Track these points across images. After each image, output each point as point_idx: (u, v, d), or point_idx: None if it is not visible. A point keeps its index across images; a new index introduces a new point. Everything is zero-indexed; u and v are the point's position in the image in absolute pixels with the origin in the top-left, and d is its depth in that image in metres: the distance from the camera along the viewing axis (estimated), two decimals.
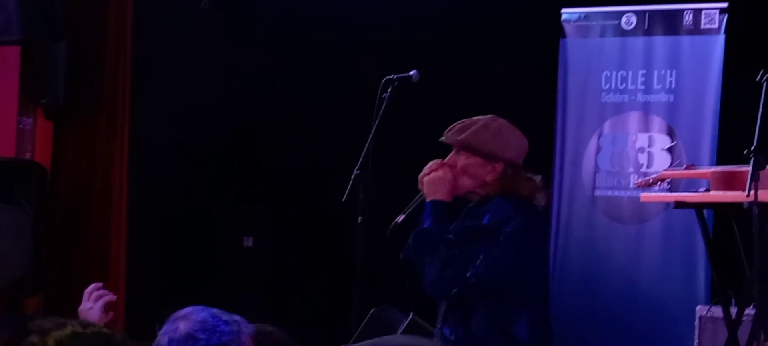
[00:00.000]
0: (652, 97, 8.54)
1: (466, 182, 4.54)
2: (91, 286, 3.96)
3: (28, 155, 8.68)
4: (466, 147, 4.54)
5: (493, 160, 4.50)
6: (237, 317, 3.10)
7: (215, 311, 3.09)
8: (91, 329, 2.13)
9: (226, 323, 3.06)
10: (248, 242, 9.19)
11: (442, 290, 4.43)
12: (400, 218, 4.65)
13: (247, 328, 3.10)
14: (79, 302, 4.07)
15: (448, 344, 4.54)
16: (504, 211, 4.40)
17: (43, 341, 2.08)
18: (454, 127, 4.61)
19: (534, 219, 4.53)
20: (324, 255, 9.56)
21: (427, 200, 4.55)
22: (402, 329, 5.92)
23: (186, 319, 3.06)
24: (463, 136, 4.55)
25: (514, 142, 4.55)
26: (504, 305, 4.42)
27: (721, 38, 8.26)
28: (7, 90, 8.58)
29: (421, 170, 4.74)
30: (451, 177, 4.54)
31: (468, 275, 4.33)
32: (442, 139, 4.63)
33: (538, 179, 4.60)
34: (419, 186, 4.64)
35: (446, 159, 4.61)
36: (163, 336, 3.05)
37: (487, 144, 4.50)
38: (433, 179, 4.55)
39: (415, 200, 4.64)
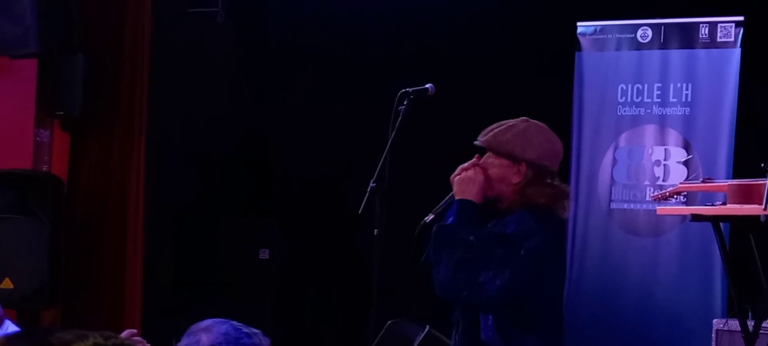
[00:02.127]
0: (668, 111, 8.53)
1: (495, 184, 4.48)
2: (127, 332, 3.91)
3: (45, 167, 8.69)
4: (490, 148, 4.50)
5: (516, 162, 4.44)
6: (256, 330, 3.10)
7: (236, 323, 3.08)
8: (113, 340, 2.12)
9: (248, 335, 3.06)
10: (264, 254, 9.20)
11: (452, 292, 4.34)
12: (429, 217, 4.58)
13: (266, 341, 3.10)
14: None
15: None
16: (527, 224, 4.32)
17: None
18: (486, 130, 4.57)
19: (556, 236, 4.45)
20: (340, 267, 9.55)
21: (456, 198, 4.49)
22: (418, 341, 5.90)
23: (208, 332, 3.05)
24: (486, 137, 4.51)
25: (537, 142, 4.47)
26: (516, 321, 4.36)
27: (737, 51, 8.25)
28: (24, 102, 8.60)
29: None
30: (482, 178, 4.47)
31: (481, 280, 4.25)
32: (475, 141, 4.58)
33: (562, 186, 4.51)
34: (452, 185, 4.59)
35: (480, 160, 4.56)
36: None
37: (506, 145, 4.44)
38: (463, 179, 4.48)
39: (445, 200, 4.58)
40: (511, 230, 4.31)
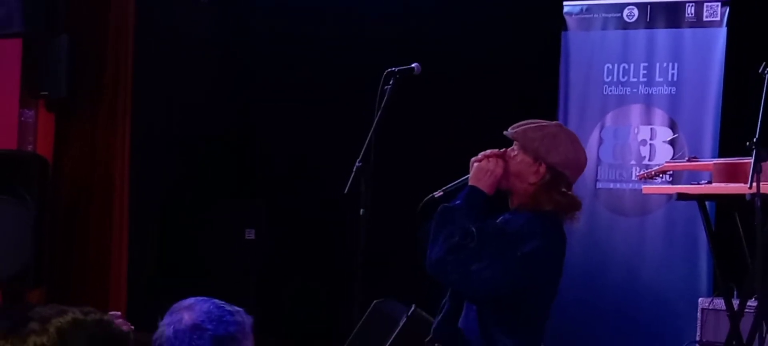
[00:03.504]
0: (654, 90, 8.54)
1: (511, 178, 4.44)
2: (110, 314, 3.89)
3: (29, 148, 8.67)
4: (517, 141, 4.44)
5: (537, 162, 4.41)
6: (238, 308, 3.10)
7: (218, 301, 3.08)
8: (92, 316, 2.14)
9: (231, 313, 3.06)
10: (250, 234, 9.20)
11: (441, 272, 4.28)
12: (439, 193, 4.53)
13: (249, 319, 3.10)
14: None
15: (438, 334, 4.50)
16: (532, 227, 4.28)
17: (43, 329, 2.08)
18: (519, 123, 4.50)
19: (557, 245, 4.40)
20: (325, 247, 9.56)
21: (470, 183, 4.45)
22: (404, 321, 5.90)
23: (190, 310, 3.05)
24: (516, 130, 4.44)
25: (563, 149, 4.40)
26: (499, 320, 4.34)
27: (723, 31, 8.27)
28: (8, 83, 8.57)
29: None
30: (501, 172, 4.41)
31: (473, 269, 4.22)
32: (505, 132, 4.52)
33: (575, 197, 4.45)
34: (470, 167, 4.53)
35: (505, 150, 4.51)
36: (167, 327, 3.04)
37: (534, 142, 4.37)
38: (482, 167, 4.40)
39: (459, 180, 4.53)
40: (514, 228, 4.28)
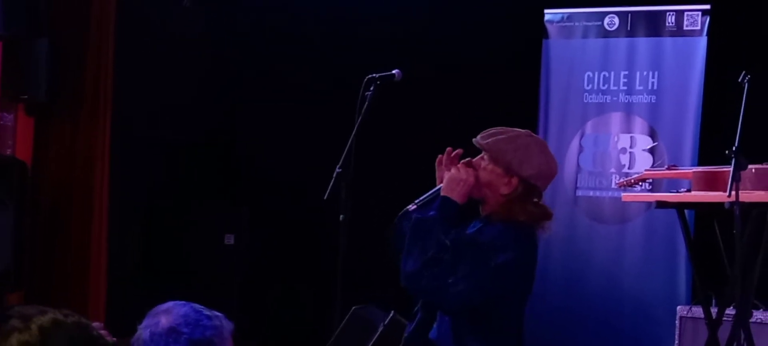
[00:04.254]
0: (635, 98, 8.56)
1: (483, 187, 4.43)
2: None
3: (9, 151, 8.64)
4: (488, 152, 4.43)
5: (509, 174, 4.40)
6: (217, 313, 3.09)
7: (196, 305, 3.07)
8: (71, 318, 2.14)
9: (208, 317, 3.05)
10: (229, 239, 9.18)
11: (415, 285, 4.29)
12: (412, 206, 4.52)
13: (228, 324, 3.09)
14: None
15: (410, 343, 4.50)
16: (504, 239, 4.28)
17: (25, 326, 2.08)
18: (488, 131, 4.48)
19: (528, 255, 4.39)
20: (305, 253, 9.55)
21: (442, 193, 4.45)
22: (383, 327, 5.90)
23: (167, 313, 3.04)
24: (488, 141, 4.41)
25: (536, 162, 4.37)
26: (473, 330, 4.34)
27: (703, 40, 8.30)
28: None
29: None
30: (473, 181, 4.39)
31: (450, 281, 4.23)
32: (474, 140, 4.51)
33: (546, 208, 4.43)
34: (437, 167, 4.53)
35: (474, 159, 4.50)
36: (144, 330, 3.03)
37: (506, 155, 4.35)
38: (454, 177, 4.40)
39: (432, 191, 4.52)
40: (487, 239, 4.28)
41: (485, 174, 4.40)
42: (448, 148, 4.52)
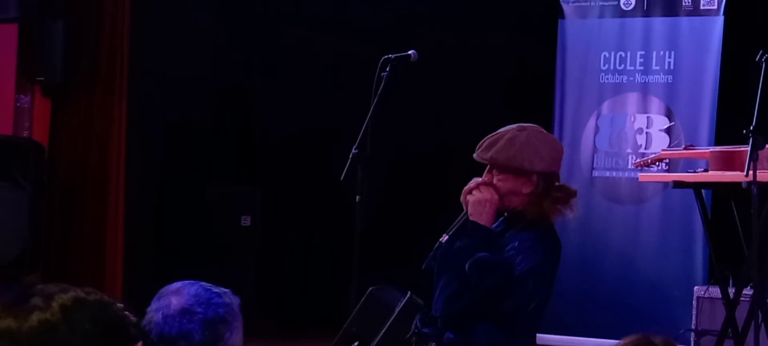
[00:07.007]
0: (651, 78, 8.53)
1: (508, 199, 4.43)
2: None
3: (25, 133, 8.67)
4: (495, 165, 4.42)
5: (525, 174, 4.38)
6: (225, 289, 3.08)
7: (205, 284, 3.06)
8: (94, 296, 2.13)
9: (219, 295, 3.04)
10: (246, 220, 9.19)
11: (449, 316, 4.40)
12: (444, 238, 4.51)
13: (235, 299, 3.08)
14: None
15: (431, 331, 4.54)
16: (528, 243, 4.34)
17: (47, 304, 2.07)
18: (483, 143, 4.44)
19: (552, 256, 4.44)
20: (321, 234, 9.55)
21: (471, 219, 4.45)
22: (400, 307, 5.90)
23: (178, 294, 3.03)
24: (490, 153, 4.41)
25: (542, 152, 4.40)
26: (497, 329, 4.38)
27: (720, 19, 8.26)
28: (4, 68, 8.57)
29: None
30: (497, 198, 4.40)
31: (469, 312, 4.34)
32: (474, 156, 4.50)
33: (569, 187, 4.48)
34: (462, 202, 4.51)
35: (482, 178, 4.47)
36: (155, 313, 3.01)
37: (514, 160, 4.36)
38: (479, 200, 4.39)
39: (460, 217, 4.50)
40: (508, 251, 4.33)
41: (503, 185, 4.40)
42: (473, 181, 4.51)
